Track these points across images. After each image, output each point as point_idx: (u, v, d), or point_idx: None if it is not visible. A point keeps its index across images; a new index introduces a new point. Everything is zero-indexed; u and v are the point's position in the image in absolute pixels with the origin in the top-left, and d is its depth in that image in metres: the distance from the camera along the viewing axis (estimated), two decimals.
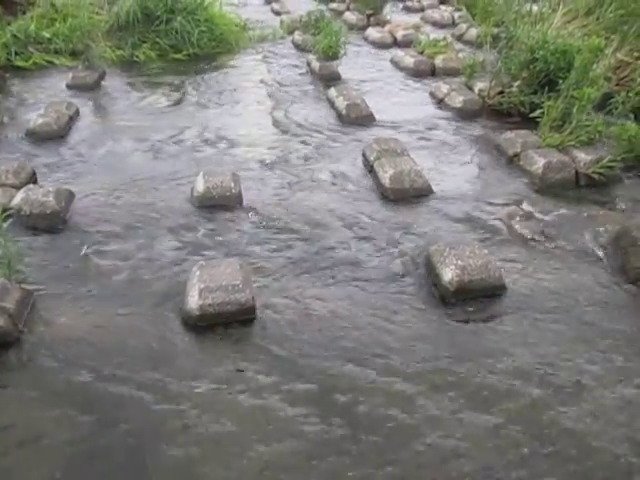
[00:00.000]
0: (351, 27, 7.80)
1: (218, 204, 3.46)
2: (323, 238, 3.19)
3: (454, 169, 4.03)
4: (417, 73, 5.96)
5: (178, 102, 5.25)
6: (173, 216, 3.38)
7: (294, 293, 2.75)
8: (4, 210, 2.75)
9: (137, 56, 6.24)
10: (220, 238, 3.18)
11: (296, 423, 2.09)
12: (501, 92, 4.89)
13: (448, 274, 2.72)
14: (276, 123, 4.78)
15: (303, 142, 4.42)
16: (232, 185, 3.53)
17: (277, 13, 8.71)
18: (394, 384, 2.26)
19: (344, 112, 4.83)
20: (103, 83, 5.65)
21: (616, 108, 4.13)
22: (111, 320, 2.56)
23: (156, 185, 3.74)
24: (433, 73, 5.99)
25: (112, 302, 2.67)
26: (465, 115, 4.89)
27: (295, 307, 2.65)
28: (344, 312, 2.63)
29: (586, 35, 4.77)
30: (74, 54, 6.08)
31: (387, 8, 8.56)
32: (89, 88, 5.43)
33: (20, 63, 5.87)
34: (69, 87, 5.42)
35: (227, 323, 2.52)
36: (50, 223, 3.23)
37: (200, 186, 3.53)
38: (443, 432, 2.07)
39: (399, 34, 7.27)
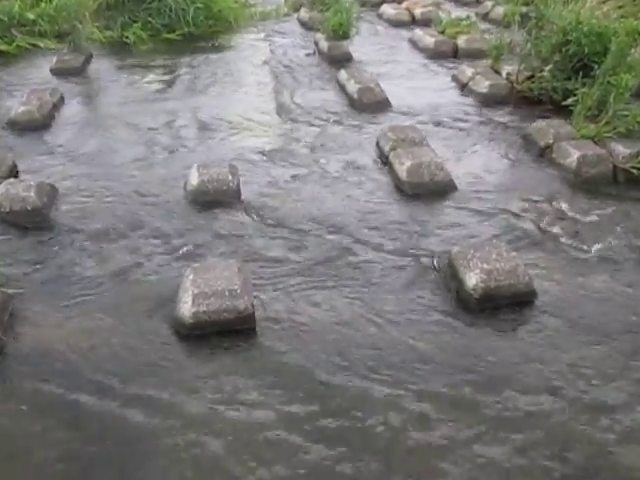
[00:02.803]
0: (364, 3, 7.79)
1: (214, 199, 3.44)
2: (331, 238, 3.16)
3: (479, 161, 3.99)
4: (437, 55, 5.94)
5: (171, 86, 5.26)
6: (165, 213, 3.37)
7: (299, 300, 2.72)
8: None
9: (127, 37, 6.26)
10: (216, 238, 3.16)
11: (297, 446, 2.05)
12: (531, 77, 4.87)
13: (472, 279, 2.69)
14: (280, 109, 4.77)
15: (310, 130, 4.40)
16: (229, 178, 3.51)
17: None
18: (408, 402, 2.22)
19: (356, 97, 4.81)
20: (90, 67, 5.66)
21: None
22: (96, 327, 2.55)
23: (147, 179, 3.73)
24: (455, 55, 5.97)
25: (97, 308, 2.66)
26: (491, 101, 4.86)
27: (300, 316, 2.62)
28: (354, 322, 2.60)
29: (623, 17, 4.73)
30: (60, 36, 6.12)
31: None
32: (75, 73, 5.44)
33: (3, 47, 5.92)
34: (53, 72, 5.45)
35: (223, 332, 2.50)
36: (31, 221, 3.24)
37: (194, 179, 3.51)
38: (462, 457, 2.02)
39: (417, 11, 7.24)
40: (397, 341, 2.50)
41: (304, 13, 7.10)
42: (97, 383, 2.28)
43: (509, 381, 2.31)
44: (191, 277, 2.61)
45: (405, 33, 6.69)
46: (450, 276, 2.84)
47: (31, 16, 6.17)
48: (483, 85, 4.99)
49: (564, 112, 4.37)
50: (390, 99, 4.85)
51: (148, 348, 2.45)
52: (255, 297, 2.65)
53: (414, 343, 2.49)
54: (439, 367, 2.38)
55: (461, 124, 4.52)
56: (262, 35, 6.61)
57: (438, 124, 4.52)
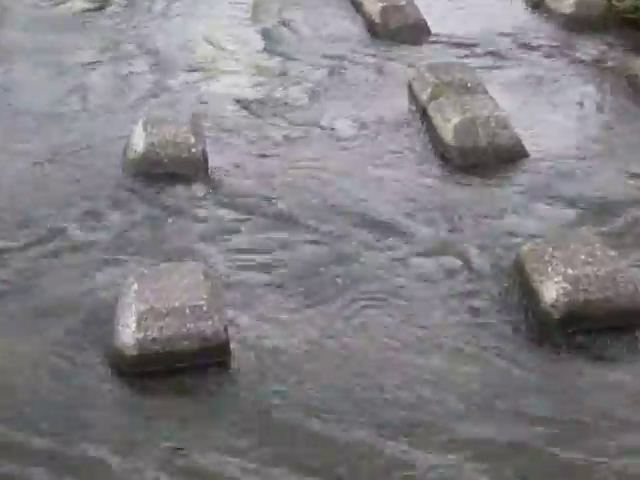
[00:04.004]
0: None
1: (168, 172, 3.45)
2: (339, 231, 3.16)
3: (560, 116, 4.00)
4: None
5: (106, 4, 5.25)
6: (94, 192, 3.37)
7: (293, 321, 2.72)
8: None
9: None
10: (170, 230, 3.17)
11: None
12: None
13: (551, 291, 2.68)
14: (266, 38, 4.79)
15: (310, 69, 4.42)
16: (191, 141, 3.52)
17: None
18: (452, 476, 2.19)
19: (378, 20, 4.83)
20: None
21: None
22: None
23: (70, 140, 3.74)
24: None
25: None
26: (578, 26, 4.87)
27: (294, 344, 2.62)
28: (376, 355, 2.59)
29: None
30: None
31: None
32: None
33: None
34: None
35: (182, 370, 2.50)
36: None
37: (139, 143, 3.51)
38: None
39: None
40: (434, 381, 2.48)
41: None
42: None
43: (599, 439, 2.28)
44: (135, 288, 2.60)
45: None
46: (518, 286, 2.84)
47: None
48: (566, 3, 4.99)
49: None
50: (429, 23, 4.86)
51: (71, 391, 2.44)
52: (229, 317, 2.64)
53: (464, 385, 2.47)
54: (494, 416, 2.35)
55: (534, 60, 4.53)
56: None
57: (500, 60, 4.53)
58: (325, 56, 4.57)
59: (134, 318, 2.51)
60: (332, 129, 3.85)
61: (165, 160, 3.48)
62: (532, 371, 2.54)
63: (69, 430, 2.31)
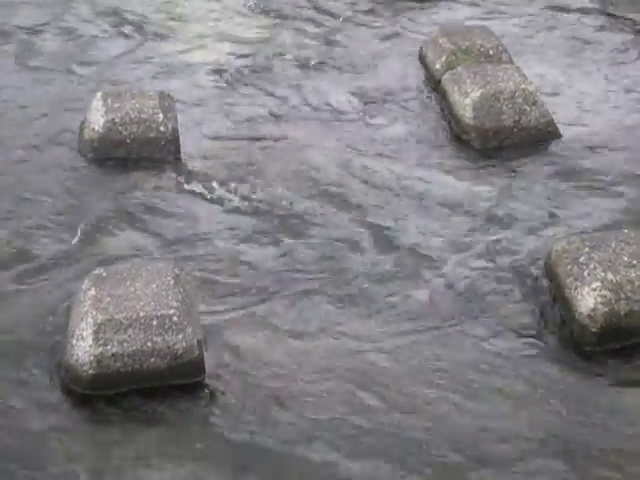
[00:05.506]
0: None
1: (132, 155, 3.47)
2: (335, 226, 3.18)
3: (600, 90, 4.00)
4: None
5: None
6: (43, 179, 3.38)
7: (281, 336, 2.72)
8: None
9: None
10: (134, 224, 3.17)
11: None
12: None
13: (588, 299, 2.68)
14: None
15: (302, 32, 4.43)
16: (160, 118, 3.52)
17: None
18: None
19: None
20: None
21: None
22: None
23: (13, 117, 3.75)
24: None
25: None
26: None
27: (281, 362, 2.62)
28: (373, 376, 2.59)
29: None
30: None
31: None
32: None
33: None
34: None
35: (148, 392, 2.50)
36: None
37: (98, 120, 3.51)
38: None
39: None
40: (451, 408, 2.48)
41: None
42: None
43: None
44: (92, 293, 2.60)
45: None
46: (550, 294, 2.85)
47: None
48: None
49: None
50: None
51: (18, 415, 2.43)
52: (204, 330, 2.64)
53: (475, 410, 2.47)
54: (520, 446, 2.35)
55: (570, 21, 4.54)
56: None
57: (528, 22, 4.54)
58: (321, 13, 4.59)
59: (90, 330, 2.50)
60: (327, 106, 3.85)
61: (128, 141, 3.49)
62: (558, 392, 2.53)
63: (11, 462, 2.31)
